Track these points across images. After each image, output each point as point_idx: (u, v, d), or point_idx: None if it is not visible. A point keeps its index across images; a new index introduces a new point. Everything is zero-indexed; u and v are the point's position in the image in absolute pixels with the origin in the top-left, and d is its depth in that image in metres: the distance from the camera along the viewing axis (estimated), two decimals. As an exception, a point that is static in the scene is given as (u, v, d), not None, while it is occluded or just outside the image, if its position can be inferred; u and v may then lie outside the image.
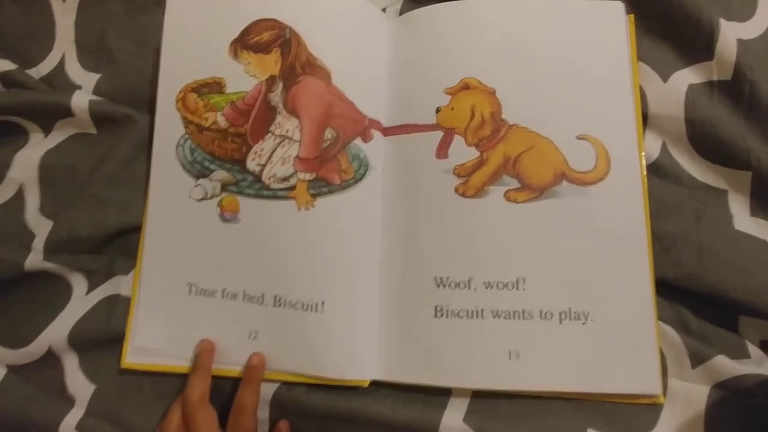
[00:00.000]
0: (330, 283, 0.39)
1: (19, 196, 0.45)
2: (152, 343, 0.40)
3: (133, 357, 0.40)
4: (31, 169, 0.45)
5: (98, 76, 0.47)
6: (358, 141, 0.42)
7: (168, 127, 0.43)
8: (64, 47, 0.49)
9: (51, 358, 0.41)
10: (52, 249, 0.42)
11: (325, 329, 0.39)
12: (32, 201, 0.44)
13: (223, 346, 0.39)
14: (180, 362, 0.40)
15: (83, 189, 0.44)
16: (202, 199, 0.42)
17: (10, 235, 0.43)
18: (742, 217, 0.39)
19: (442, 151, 0.40)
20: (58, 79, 0.48)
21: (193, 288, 0.40)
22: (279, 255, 0.40)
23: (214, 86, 0.43)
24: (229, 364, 0.39)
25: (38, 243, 0.42)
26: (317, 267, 0.40)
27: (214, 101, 0.42)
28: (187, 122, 0.43)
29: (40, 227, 0.43)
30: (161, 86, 0.44)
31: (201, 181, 0.42)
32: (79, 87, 0.47)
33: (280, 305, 0.39)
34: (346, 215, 0.41)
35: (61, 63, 0.48)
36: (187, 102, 0.43)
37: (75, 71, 0.48)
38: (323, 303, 0.39)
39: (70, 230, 0.42)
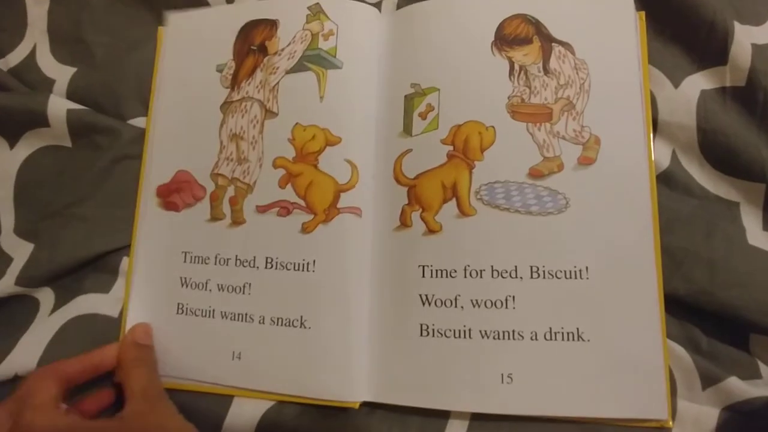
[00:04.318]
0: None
1: None
2: None
3: None
4: (7, 187, 0.42)
5: (74, 70, 0.44)
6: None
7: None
8: (35, 37, 0.46)
9: (19, 381, 0.38)
10: (29, 275, 0.39)
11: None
12: (7, 221, 0.41)
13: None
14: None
15: (63, 208, 0.41)
16: None
17: None
18: (754, 231, 0.37)
19: None
20: (28, 71, 0.45)
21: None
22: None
23: None
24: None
25: (14, 267, 0.39)
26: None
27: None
28: None
29: (17, 250, 0.40)
30: None
31: None
32: (52, 81, 0.44)
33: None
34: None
35: (32, 54, 0.45)
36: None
37: (48, 64, 0.45)
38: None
39: (51, 256, 0.40)
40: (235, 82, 0.42)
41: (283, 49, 0.42)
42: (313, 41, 0.41)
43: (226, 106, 0.42)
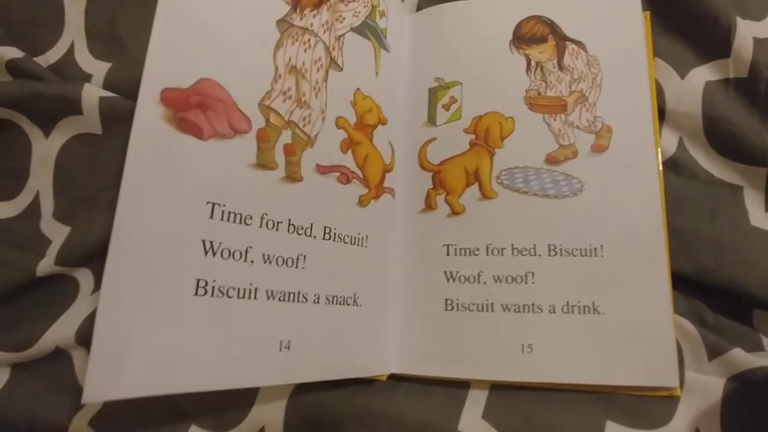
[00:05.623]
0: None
1: (35, 203, 0.43)
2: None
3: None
4: (47, 175, 0.43)
5: (109, 65, 0.46)
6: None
7: None
8: (73, 34, 0.47)
9: (59, 354, 0.40)
10: (66, 255, 0.40)
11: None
12: (47, 207, 0.43)
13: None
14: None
15: (96, 192, 0.42)
16: None
17: (26, 243, 0.41)
18: (757, 213, 0.40)
19: None
20: (67, 67, 0.46)
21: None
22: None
23: None
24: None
25: (53, 249, 0.40)
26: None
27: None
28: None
29: (55, 233, 0.42)
30: None
31: None
32: (90, 76, 0.46)
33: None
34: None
35: (71, 51, 0.47)
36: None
37: (85, 60, 0.46)
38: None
39: (86, 236, 0.40)
40: (297, 4, 0.36)
41: (350, 2, 0.39)
42: (373, 13, 0.40)
43: (285, 25, 0.35)
